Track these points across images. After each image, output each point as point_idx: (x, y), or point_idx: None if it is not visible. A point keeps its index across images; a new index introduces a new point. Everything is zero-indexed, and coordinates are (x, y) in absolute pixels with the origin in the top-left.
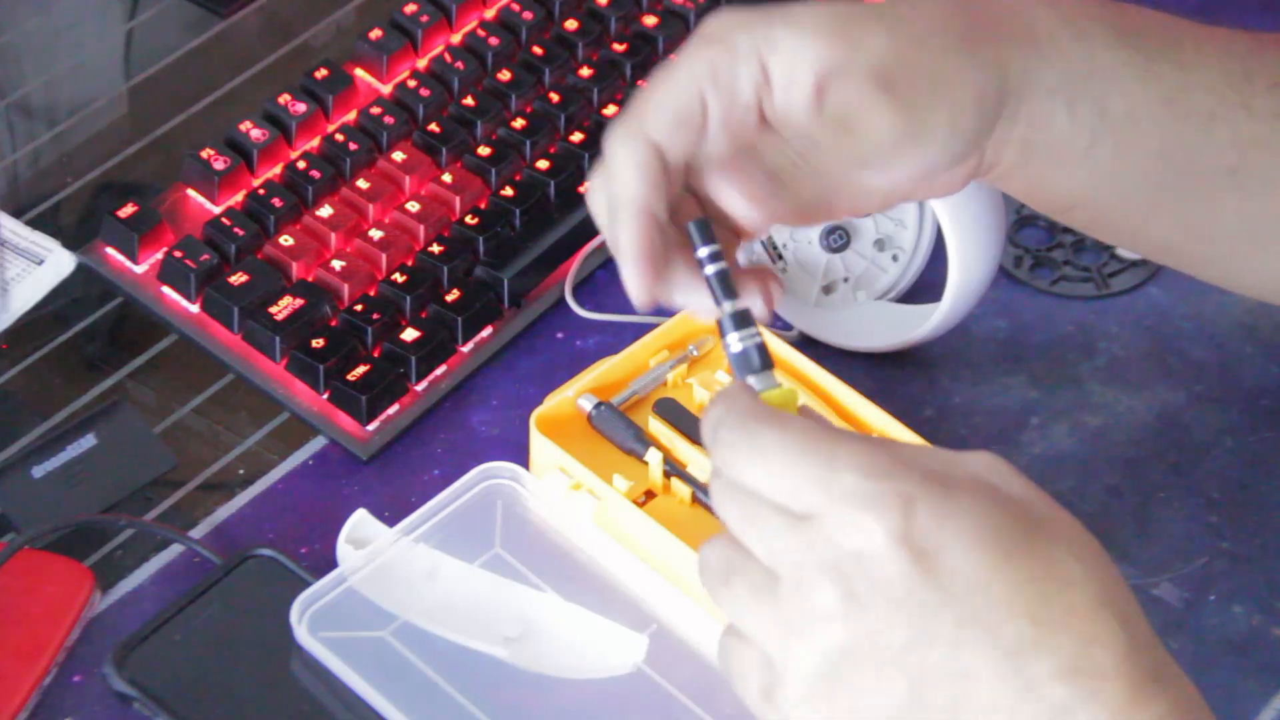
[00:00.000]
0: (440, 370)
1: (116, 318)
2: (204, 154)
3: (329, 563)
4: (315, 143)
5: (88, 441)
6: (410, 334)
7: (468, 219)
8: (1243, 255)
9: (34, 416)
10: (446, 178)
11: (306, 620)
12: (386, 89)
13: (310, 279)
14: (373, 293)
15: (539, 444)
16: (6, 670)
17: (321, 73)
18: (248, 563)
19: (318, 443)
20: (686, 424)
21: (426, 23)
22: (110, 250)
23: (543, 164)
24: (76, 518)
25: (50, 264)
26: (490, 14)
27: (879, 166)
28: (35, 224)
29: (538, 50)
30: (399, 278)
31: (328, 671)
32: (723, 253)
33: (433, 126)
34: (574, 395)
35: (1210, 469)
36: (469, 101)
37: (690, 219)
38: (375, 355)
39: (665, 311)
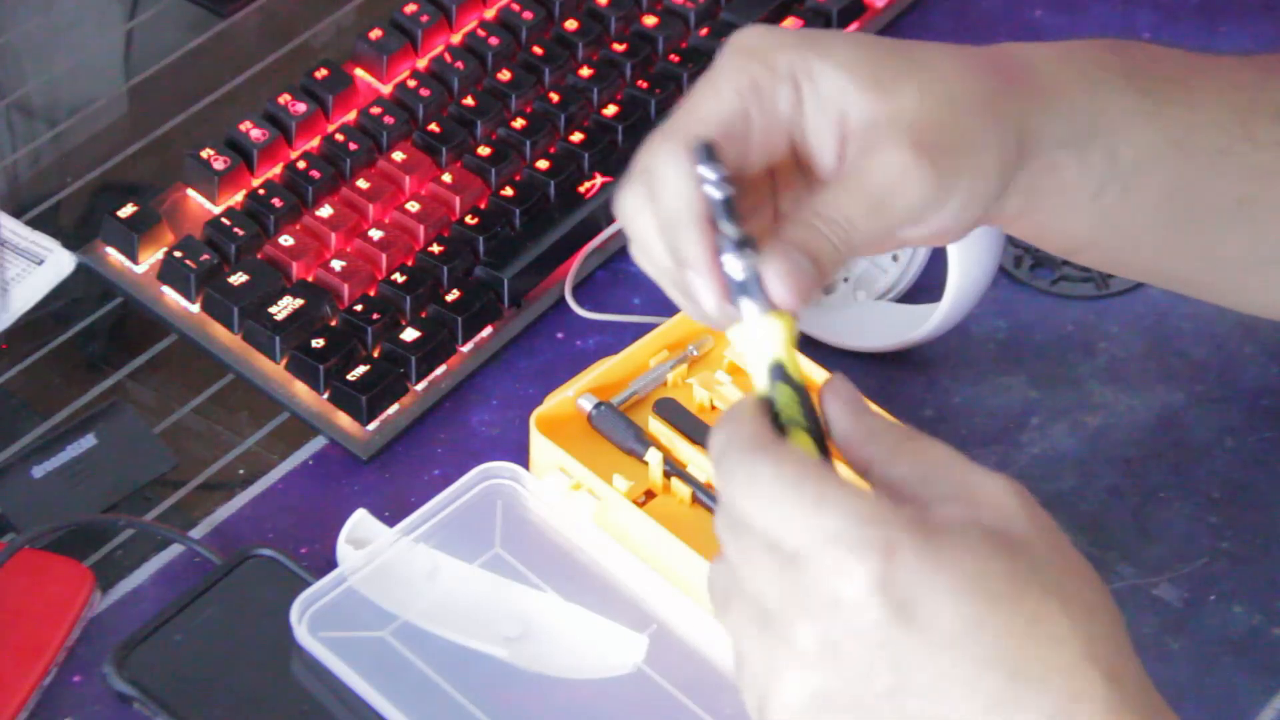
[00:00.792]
0: (440, 370)
1: (116, 318)
2: (204, 154)
3: (329, 563)
4: (315, 143)
5: (88, 441)
6: (410, 334)
7: (468, 219)
8: (1253, 281)
9: (34, 416)
10: (446, 178)
11: (306, 620)
12: (386, 89)
13: (310, 279)
14: (373, 293)
15: (539, 444)
16: (6, 670)
17: (321, 73)
18: (248, 563)
19: (318, 443)
20: (687, 424)
21: (426, 23)
22: (110, 250)
23: (543, 164)
24: (76, 518)
25: (50, 264)
26: (490, 14)
27: (896, 224)
28: (35, 224)
29: (538, 50)
30: (399, 278)
31: (328, 671)
32: (729, 179)
33: (433, 126)
34: (574, 395)
35: (1210, 469)
36: (469, 101)
37: None
38: (375, 355)
39: (666, 311)
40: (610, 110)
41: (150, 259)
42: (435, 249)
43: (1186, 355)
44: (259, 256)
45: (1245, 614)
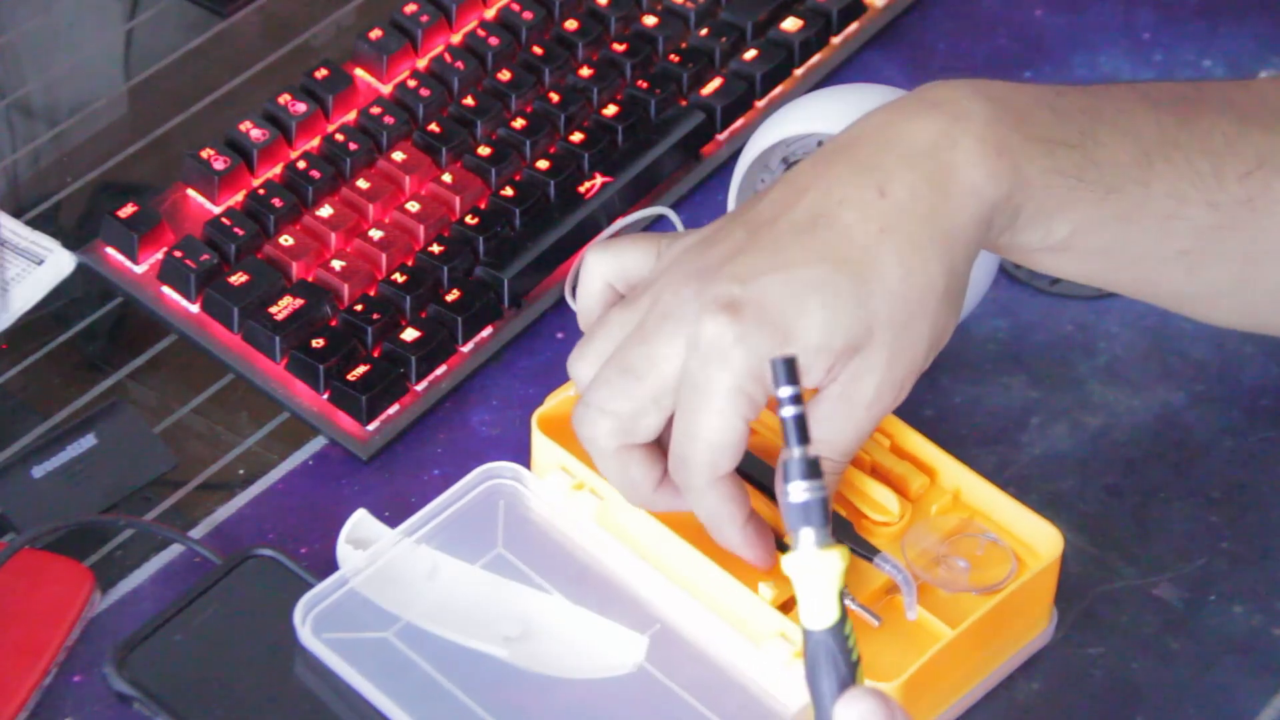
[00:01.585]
0: (440, 370)
1: (116, 318)
2: (204, 154)
3: (329, 563)
4: (315, 143)
5: (88, 441)
6: (410, 334)
7: (468, 219)
8: (1196, 308)
9: (34, 416)
10: (446, 178)
11: (310, 621)
12: (386, 89)
13: (310, 279)
14: (373, 293)
15: (541, 444)
16: (6, 670)
17: (321, 73)
18: (248, 563)
19: (318, 443)
20: None
21: (426, 23)
22: (110, 250)
23: (543, 164)
24: (76, 518)
25: (50, 264)
26: (490, 14)
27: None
28: (35, 224)
29: (538, 50)
30: (399, 278)
31: (331, 673)
32: (800, 397)
33: (433, 126)
34: (575, 395)
35: (1210, 469)
36: (469, 101)
37: None
38: (375, 355)
39: None
40: (610, 110)
41: (150, 259)
42: (435, 249)
43: (1186, 355)
44: (259, 256)
45: (1245, 614)
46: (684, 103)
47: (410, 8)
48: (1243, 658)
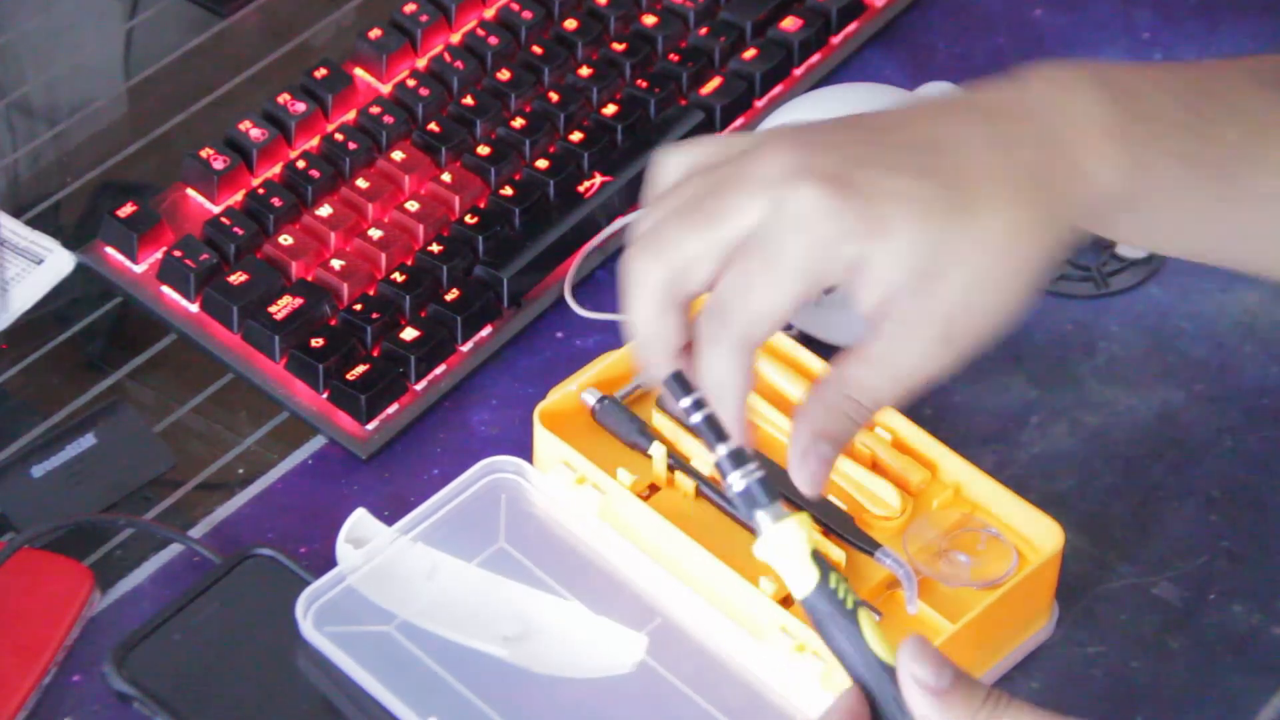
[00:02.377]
0: (440, 370)
1: (116, 317)
2: (203, 154)
3: (329, 562)
4: (315, 142)
5: (87, 441)
6: (410, 333)
7: (467, 218)
8: None
9: (34, 416)
10: (446, 177)
11: (312, 615)
12: (386, 88)
13: (310, 278)
14: (372, 292)
15: (543, 438)
16: (6, 670)
17: (321, 72)
18: (247, 562)
19: (317, 442)
20: None
21: (426, 22)
22: (110, 250)
23: (542, 163)
24: (76, 517)
25: (50, 264)
26: (490, 13)
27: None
28: (35, 224)
29: (537, 50)
30: (398, 277)
31: (333, 666)
32: (705, 399)
33: (432, 126)
34: (577, 390)
35: (1210, 469)
36: (468, 101)
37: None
38: (375, 355)
39: None
40: (610, 110)
41: (150, 259)
42: (435, 248)
43: (1186, 355)
44: (258, 256)
45: (1245, 613)
46: (684, 102)
47: (410, 7)
48: (1242, 657)
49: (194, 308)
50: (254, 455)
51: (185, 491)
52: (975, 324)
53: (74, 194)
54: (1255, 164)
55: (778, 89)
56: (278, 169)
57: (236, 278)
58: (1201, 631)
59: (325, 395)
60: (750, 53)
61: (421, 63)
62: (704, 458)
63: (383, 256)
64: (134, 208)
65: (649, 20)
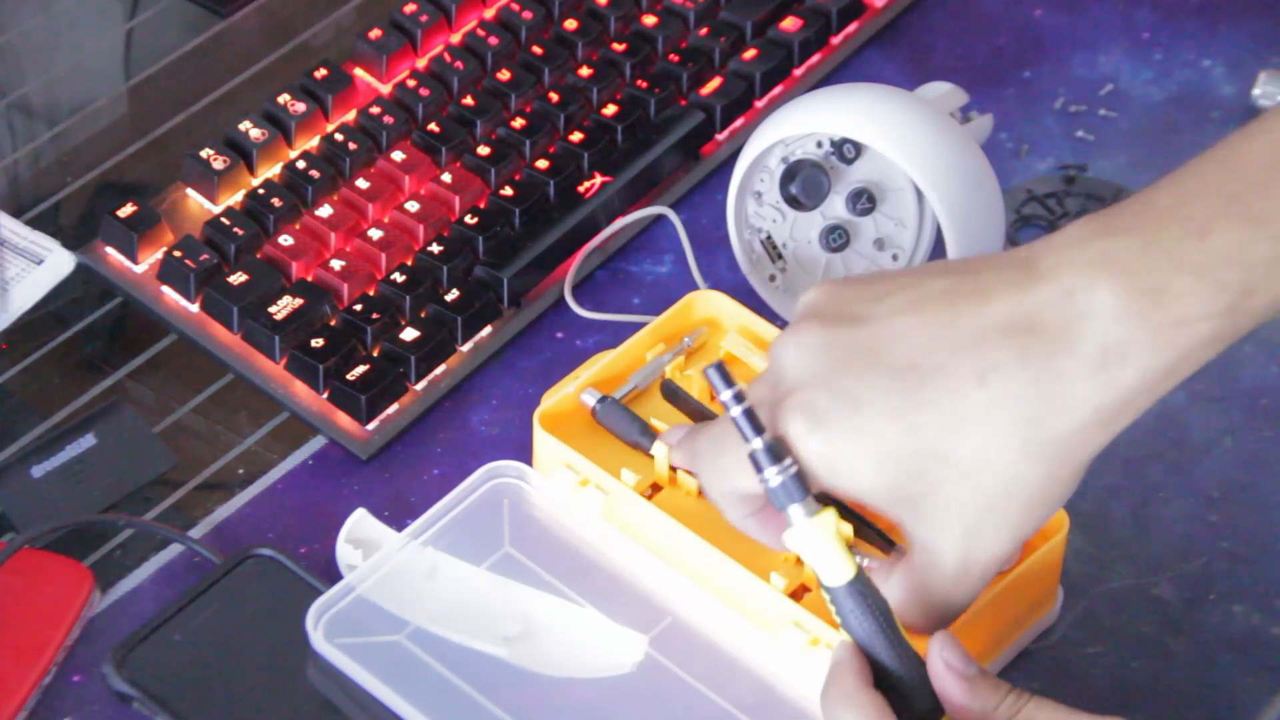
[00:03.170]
0: (440, 370)
1: (116, 318)
2: (204, 154)
3: (329, 563)
4: (315, 142)
5: (87, 441)
6: (410, 334)
7: (467, 219)
8: None
9: (34, 416)
10: (446, 177)
11: (322, 627)
12: (386, 89)
13: (310, 279)
14: (372, 292)
15: (544, 441)
16: (6, 670)
17: (321, 72)
18: (247, 562)
19: (317, 442)
20: (691, 408)
21: (426, 22)
22: (110, 250)
23: (542, 164)
24: (76, 517)
25: (50, 264)
26: (490, 14)
27: None
28: (35, 224)
29: (537, 50)
30: (398, 277)
31: (345, 677)
32: (745, 392)
33: (432, 126)
34: (575, 391)
35: (1210, 469)
36: (468, 101)
37: None
38: (375, 355)
39: (665, 309)
40: (610, 110)
41: (150, 259)
42: (435, 249)
43: None
44: (258, 256)
45: (1245, 614)
46: (684, 102)
47: (410, 7)
48: (1242, 657)
49: (194, 308)
50: (254, 455)
51: (185, 491)
52: (989, 551)
53: (74, 194)
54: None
55: (778, 89)
56: (278, 169)
57: (236, 278)
58: (1201, 631)
59: (325, 395)
60: (750, 53)
61: (421, 63)
62: None
63: (383, 257)
64: (134, 208)
65: (649, 20)
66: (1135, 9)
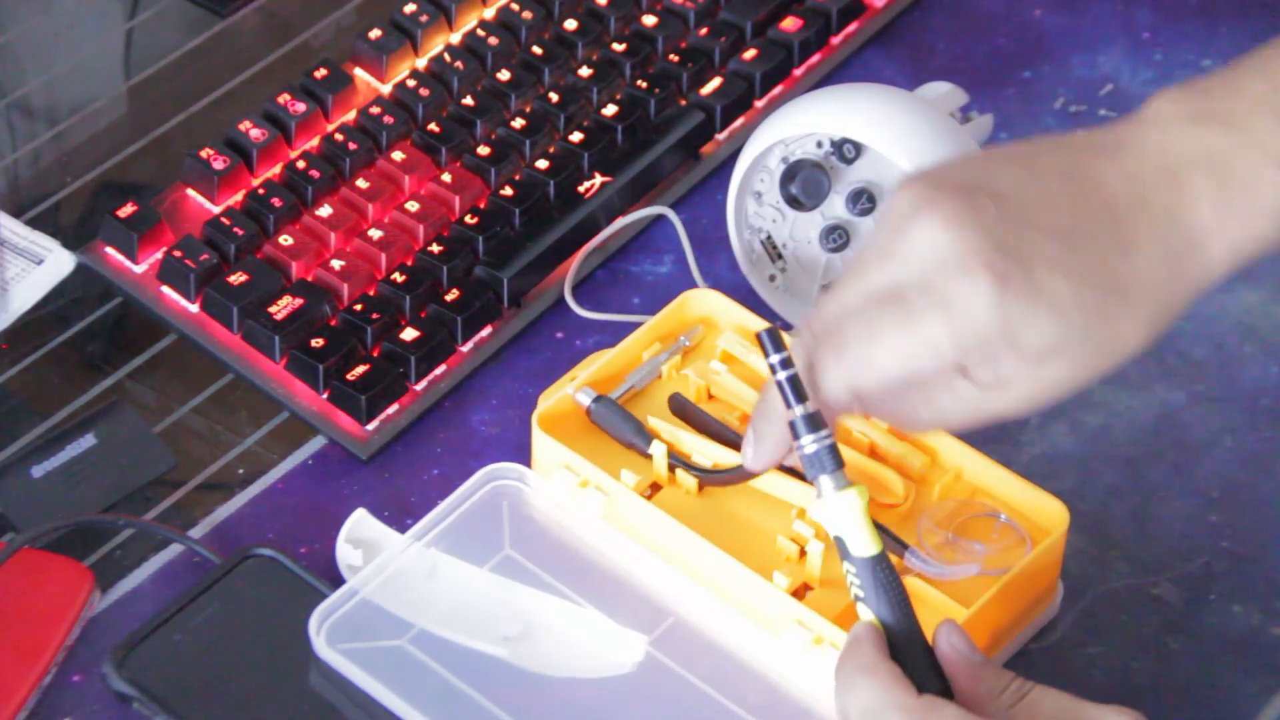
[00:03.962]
0: (440, 370)
1: (116, 318)
2: (204, 154)
3: (328, 562)
4: (315, 142)
5: (87, 441)
6: (410, 334)
7: (467, 219)
8: None
9: (34, 416)
10: (446, 177)
11: (325, 632)
12: (386, 89)
13: (310, 279)
14: (372, 292)
15: (542, 443)
16: (6, 670)
17: (321, 72)
18: (247, 562)
19: (317, 442)
20: (700, 421)
21: (426, 22)
22: (110, 250)
23: (542, 164)
24: (76, 517)
25: (50, 264)
26: (490, 14)
27: None
28: (35, 224)
29: (537, 50)
30: (398, 277)
31: (348, 682)
32: (792, 359)
33: (432, 126)
34: (571, 391)
35: (1210, 469)
36: (468, 101)
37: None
38: (375, 355)
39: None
40: (610, 110)
41: (150, 259)
42: (435, 249)
43: (1186, 355)
44: (258, 256)
45: (1245, 614)
46: (684, 102)
47: (410, 8)
48: (1242, 657)
49: (194, 308)
50: (254, 455)
51: (185, 492)
52: (1057, 397)
53: (74, 194)
54: None
55: (778, 89)
56: (278, 169)
57: (236, 278)
58: (1201, 631)
59: (325, 395)
60: (750, 53)
61: (421, 63)
62: (704, 453)
63: (383, 257)
64: (134, 208)
65: (649, 20)
66: (1135, 9)
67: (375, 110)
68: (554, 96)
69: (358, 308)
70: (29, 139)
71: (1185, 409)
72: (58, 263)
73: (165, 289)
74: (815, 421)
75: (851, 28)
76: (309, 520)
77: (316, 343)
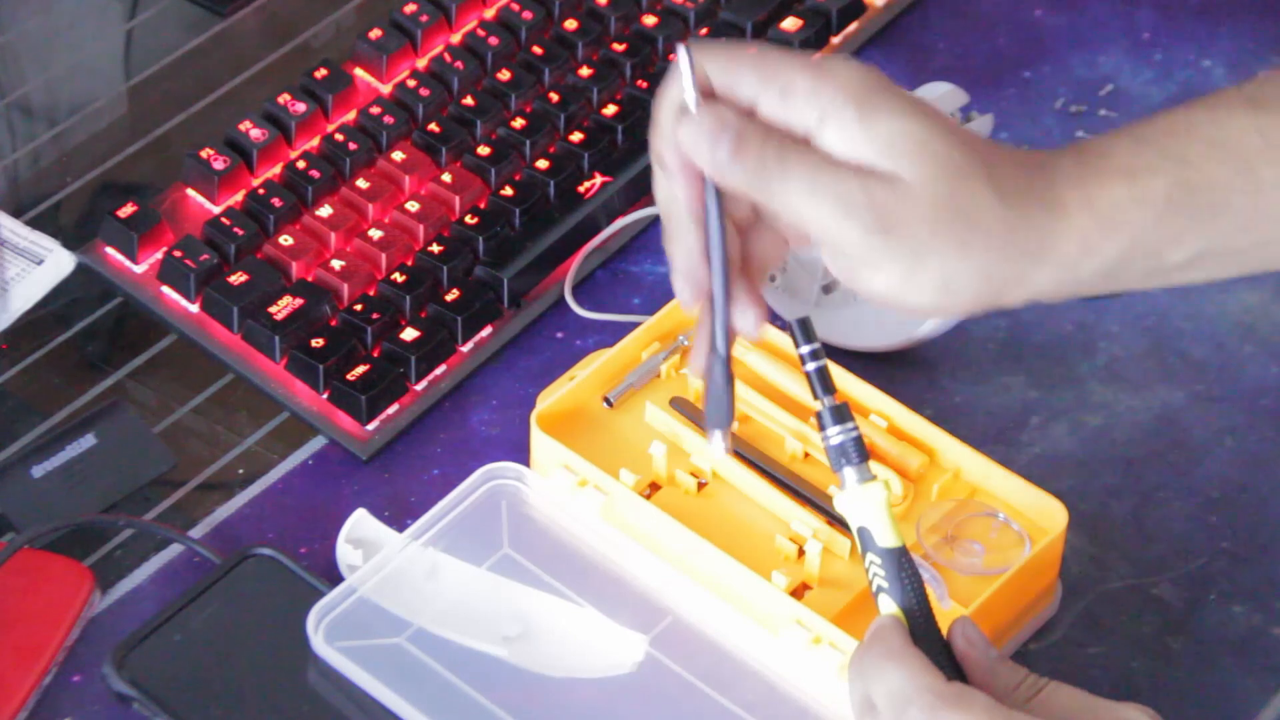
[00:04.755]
0: (440, 370)
1: (116, 318)
2: (204, 154)
3: (328, 562)
4: (315, 142)
5: (87, 441)
6: (410, 334)
7: (467, 219)
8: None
9: (34, 416)
10: (446, 177)
11: (323, 630)
12: (386, 89)
13: (310, 279)
14: (372, 292)
15: (541, 443)
16: (6, 670)
17: (321, 72)
18: (247, 562)
19: (317, 442)
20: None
21: (426, 22)
22: (110, 250)
23: (542, 164)
24: (76, 517)
25: (50, 264)
26: (490, 14)
27: None
28: (35, 224)
29: (537, 50)
30: (399, 277)
31: (346, 680)
32: (823, 350)
33: (432, 126)
34: (569, 391)
35: (1210, 469)
36: (469, 101)
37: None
38: (375, 355)
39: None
40: (610, 110)
41: (150, 259)
42: (435, 249)
43: (1186, 355)
44: (259, 256)
45: (1245, 614)
46: None
47: (410, 8)
48: (1242, 657)
49: (194, 308)
50: (254, 455)
51: (185, 491)
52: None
53: (74, 194)
54: (1258, 195)
55: None
56: (278, 169)
57: (236, 278)
58: (1201, 631)
59: (325, 395)
60: None
61: (421, 63)
62: (704, 452)
63: (383, 257)
64: (134, 208)
65: (649, 20)
66: (1135, 9)
67: (375, 110)
68: (554, 96)
69: (358, 308)
70: (29, 139)
71: (1185, 409)
72: (58, 263)
73: (165, 289)
74: (842, 414)
75: (851, 28)
76: (309, 520)
77: (316, 343)
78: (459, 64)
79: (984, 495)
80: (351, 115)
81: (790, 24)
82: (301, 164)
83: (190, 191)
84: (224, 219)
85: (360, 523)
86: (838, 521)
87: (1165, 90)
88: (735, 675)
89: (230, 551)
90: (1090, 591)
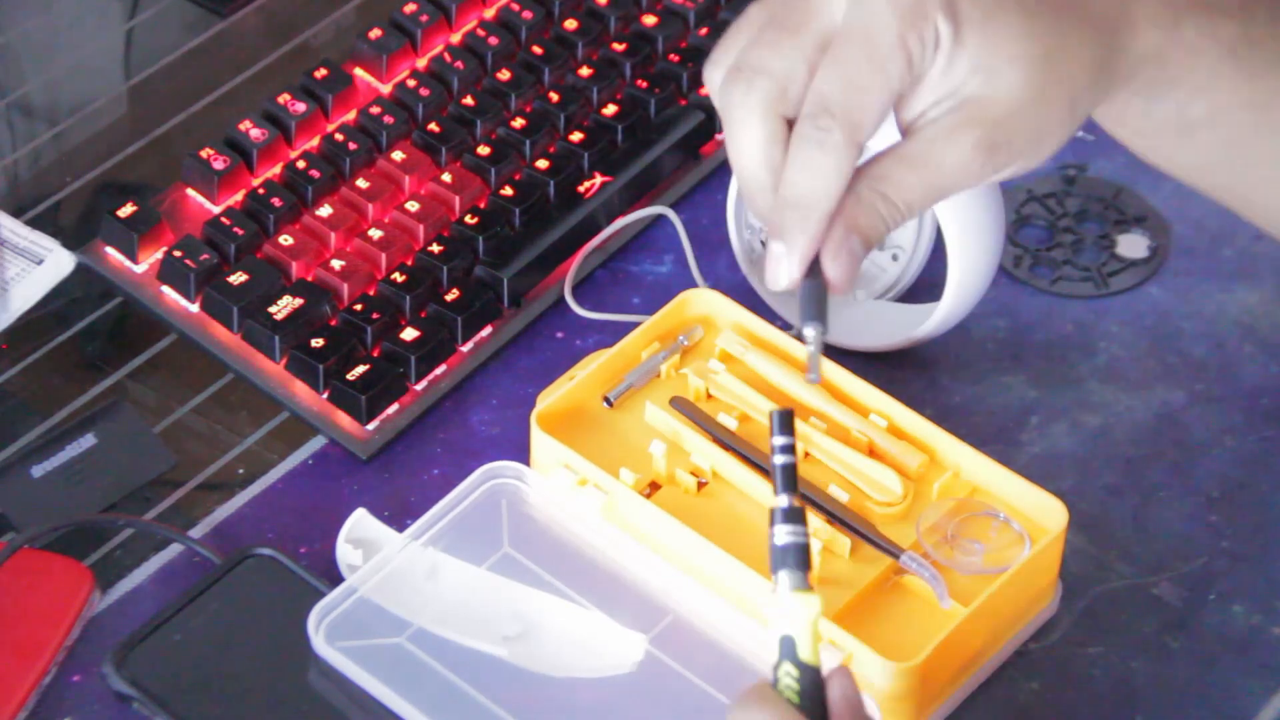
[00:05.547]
0: (440, 370)
1: (116, 317)
2: (204, 154)
3: (329, 562)
4: (315, 142)
5: (87, 441)
6: (410, 333)
7: (467, 219)
8: None
9: (34, 416)
10: (446, 177)
11: (324, 630)
12: (386, 88)
13: (310, 278)
14: (372, 292)
15: (541, 442)
16: (6, 670)
17: (321, 72)
18: (247, 562)
19: (317, 442)
20: (701, 420)
21: (426, 22)
22: (110, 250)
23: (542, 164)
24: (76, 517)
25: (50, 264)
26: (490, 14)
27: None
28: (35, 224)
29: (537, 50)
30: (399, 277)
31: (347, 680)
32: (794, 447)
33: (432, 126)
34: (569, 391)
35: (1210, 469)
36: (468, 101)
37: None
38: (375, 355)
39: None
40: (610, 110)
41: (150, 259)
42: (435, 248)
43: (1186, 355)
44: (258, 256)
45: (1245, 614)
46: (684, 102)
47: (410, 7)
48: (1242, 657)
49: (194, 308)
50: (254, 455)
51: (185, 492)
52: (1016, 141)
53: (74, 194)
54: None
55: None
56: (278, 169)
57: (236, 278)
58: (1201, 631)
59: (325, 395)
60: None
61: (421, 63)
62: (706, 452)
63: (383, 256)
64: (134, 208)
65: (649, 20)
66: None
67: (375, 110)
68: (554, 96)
69: (358, 308)
70: (29, 139)
71: (1185, 409)
72: (58, 263)
73: (165, 289)
74: (796, 516)
75: None
76: (309, 520)
77: (316, 343)
78: (459, 64)
79: (984, 495)
80: (351, 115)
81: None
82: (301, 164)
83: (190, 191)
84: (224, 219)
85: (360, 523)
86: (838, 521)
87: None
88: (735, 674)
89: (230, 551)
90: (1090, 591)
